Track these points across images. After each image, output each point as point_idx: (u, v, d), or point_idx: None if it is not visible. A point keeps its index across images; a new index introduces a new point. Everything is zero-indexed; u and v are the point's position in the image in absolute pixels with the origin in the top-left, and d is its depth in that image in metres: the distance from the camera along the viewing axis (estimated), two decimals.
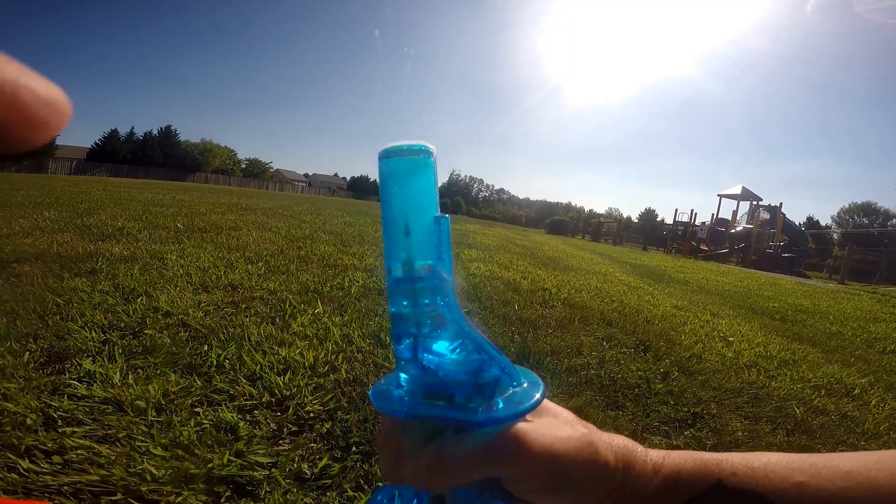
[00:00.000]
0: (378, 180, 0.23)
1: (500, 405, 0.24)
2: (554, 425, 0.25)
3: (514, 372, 0.25)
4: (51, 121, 0.13)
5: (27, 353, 1.31)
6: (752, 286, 6.72)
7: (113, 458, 0.91)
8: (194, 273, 2.41)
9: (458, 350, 0.24)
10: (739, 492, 0.23)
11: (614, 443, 0.25)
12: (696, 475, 0.24)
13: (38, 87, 0.12)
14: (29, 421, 0.99)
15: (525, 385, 0.25)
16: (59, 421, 1.02)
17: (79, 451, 0.92)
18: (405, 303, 0.23)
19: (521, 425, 0.24)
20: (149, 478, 0.87)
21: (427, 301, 0.23)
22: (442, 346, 0.24)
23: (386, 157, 0.22)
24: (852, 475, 0.23)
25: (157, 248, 2.94)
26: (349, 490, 0.94)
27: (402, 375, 0.25)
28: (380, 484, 0.97)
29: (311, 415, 1.20)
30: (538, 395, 0.25)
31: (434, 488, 0.24)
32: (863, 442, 1.60)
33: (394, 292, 0.24)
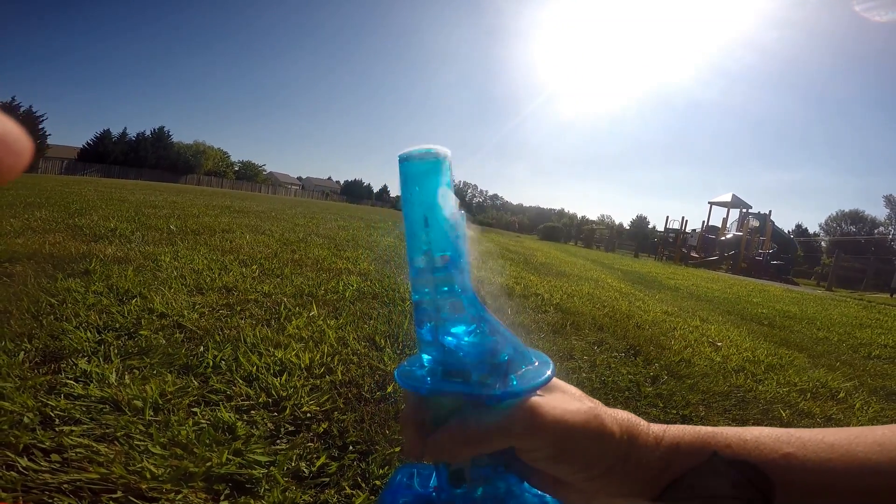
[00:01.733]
0: (399, 181, 0.25)
1: (514, 382, 0.26)
2: (564, 400, 0.27)
3: (526, 352, 0.28)
4: (5, 161, 0.11)
5: (22, 352, 1.30)
6: (741, 293, 6.81)
7: (112, 456, 0.92)
8: (188, 275, 2.40)
9: (474, 332, 0.26)
10: (733, 462, 0.25)
11: (619, 416, 0.27)
12: (694, 447, 0.26)
13: None
14: (26, 420, 0.99)
15: (536, 364, 0.28)
16: (57, 420, 1.02)
17: (77, 450, 0.93)
18: (426, 290, 0.25)
19: (535, 399, 0.26)
20: (148, 476, 0.88)
21: (446, 288, 0.25)
22: (460, 329, 0.26)
23: (406, 159, 0.24)
24: (835, 448, 0.24)
25: (150, 250, 2.93)
26: (347, 488, 0.95)
27: (425, 356, 0.27)
28: (378, 482, 0.98)
29: (308, 415, 1.21)
30: (549, 373, 0.27)
31: (455, 460, 0.27)
32: None
33: (416, 281, 0.26)
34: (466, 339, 0.26)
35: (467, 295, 0.25)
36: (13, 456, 0.88)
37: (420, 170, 0.24)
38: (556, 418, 0.25)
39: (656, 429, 0.27)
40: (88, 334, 1.49)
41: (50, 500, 0.81)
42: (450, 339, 0.26)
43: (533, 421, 0.25)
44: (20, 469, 0.86)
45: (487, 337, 0.26)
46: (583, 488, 0.26)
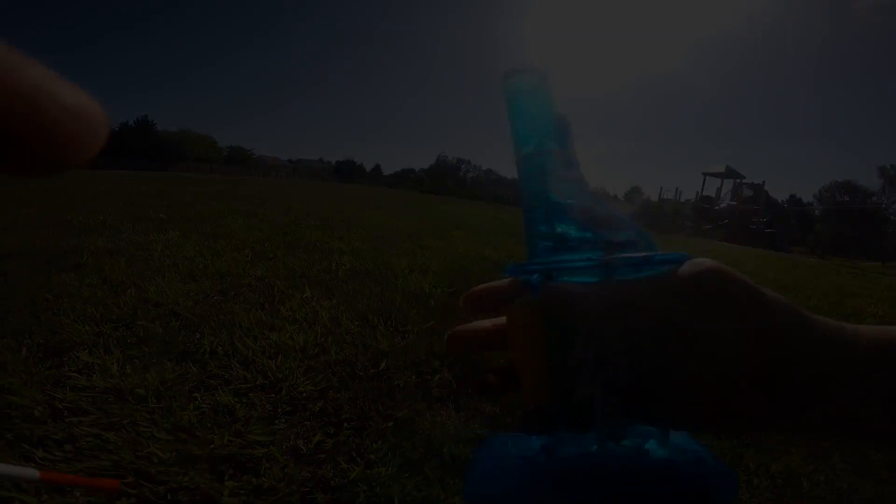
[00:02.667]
0: (505, 100, 0.26)
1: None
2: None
3: (648, 238, 0.24)
4: (81, 138, 0.10)
5: (24, 348, 1.34)
6: (735, 261, 6.91)
7: (120, 443, 0.97)
8: (181, 263, 2.43)
9: (591, 218, 0.24)
10: None
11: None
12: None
13: (65, 95, 0.10)
14: (37, 413, 1.04)
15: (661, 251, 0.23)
16: (65, 412, 1.07)
17: (87, 439, 0.98)
18: (535, 172, 0.25)
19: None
20: (156, 460, 0.93)
21: (557, 170, 0.24)
22: (573, 212, 0.24)
23: (511, 76, 0.26)
24: None
25: (141, 240, 2.94)
26: (343, 462, 1.01)
27: (540, 244, 0.24)
28: (372, 456, 1.04)
29: (304, 395, 1.27)
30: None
31: (597, 327, 0.19)
32: None
33: (527, 166, 0.25)
34: (581, 224, 0.24)
35: (580, 183, 0.25)
36: (30, 448, 0.94)
37: (524, 87, 0.26)
38: (749, 281, 0.19)
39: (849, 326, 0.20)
40: (87, 327, 1.53)
41: (69, 489, 0.85)
42: (565, 218, 0.24)
43: (714, 274, 0.19)
44: (38, 460, 0.91)
45: (609, 212, 0.24)
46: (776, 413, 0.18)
